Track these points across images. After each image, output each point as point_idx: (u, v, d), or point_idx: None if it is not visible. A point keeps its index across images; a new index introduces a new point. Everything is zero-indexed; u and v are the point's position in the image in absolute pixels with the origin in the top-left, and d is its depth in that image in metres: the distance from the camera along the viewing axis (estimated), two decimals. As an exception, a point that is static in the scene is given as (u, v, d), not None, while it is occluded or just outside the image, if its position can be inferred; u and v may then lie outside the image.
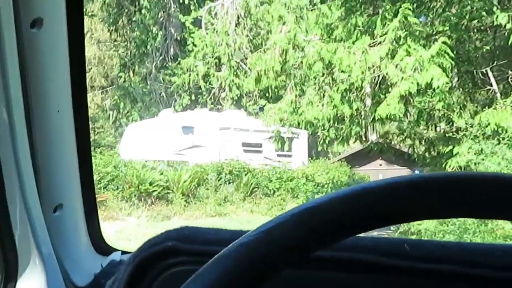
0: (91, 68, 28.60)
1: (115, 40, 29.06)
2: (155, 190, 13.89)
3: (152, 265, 0.90)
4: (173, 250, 0.89)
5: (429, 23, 12.81)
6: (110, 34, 28.65)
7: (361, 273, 0.75)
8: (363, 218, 0.47)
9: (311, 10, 13.85)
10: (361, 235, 0.57)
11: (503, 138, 8.53)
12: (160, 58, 27.25)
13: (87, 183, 1.15)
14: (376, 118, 11.47)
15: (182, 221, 12.73)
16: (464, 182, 0.46)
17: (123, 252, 1.24)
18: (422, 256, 0.72)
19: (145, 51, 27.40)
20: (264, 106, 20.20)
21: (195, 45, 25.62)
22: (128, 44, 28.54)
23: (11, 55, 0.88)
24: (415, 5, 12.24)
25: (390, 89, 11.27)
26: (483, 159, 8.30)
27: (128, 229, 11.34)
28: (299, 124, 12.56)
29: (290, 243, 0.46)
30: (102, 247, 1.25)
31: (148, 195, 13.78)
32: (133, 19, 27.37)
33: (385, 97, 11.23)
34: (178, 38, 27.20)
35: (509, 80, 11.43)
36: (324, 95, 12.25)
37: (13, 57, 0.89)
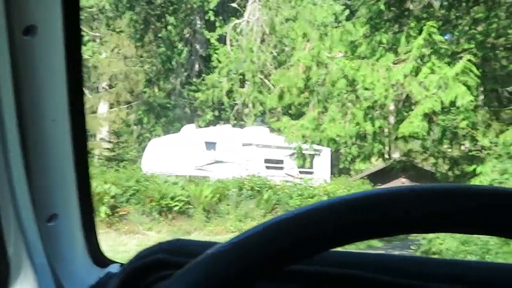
0: (117, 84, 28.94)
1: (141, 56, 29.44)
2: (176, 205, 13.93)
3: (142, 277, 0.88)
4: (162, 262, 0.88)
5: (454, 41, 12.72)
6: (137, 49, 29.03)
7: None
8: (339, 231, 0.45)
9: (336, 27, 13.89)
10: (352, 249, 0.54)
11: (529, 158, 8.39)
12: (185, 74, 27.51)
13: (84, 193, 1.14)
14: (399, 136, 11.37)
15: (202, 236, 12.73)
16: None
17: (122, 264, 1.22)
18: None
19: (170, 67, 27.70)
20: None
21: (219, 61, 25.81)
22: (154, 60, 28.89)
23: (2, 63, 0.88)
24: (440, 22, 12.17)
25: (413, 107, 11.18)
26: (507, 179, 8.15)
27: (148, 244, 11.36)
28: (321, 141, 12.52)
29: (260, 255, 0.44)
30: (100, 259, 1.23)
31: (169, 210, 13.82)
32: (159, 35, 27.72)
33: (409, 115, 11.14)
34: (203, 54, 27.46)
35: (536, 99, 11.25)
36: (347, 112, 12.20)
37: (4, 65, 0.88)
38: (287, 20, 24.69)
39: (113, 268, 1.21)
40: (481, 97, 12.97)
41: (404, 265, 0.72)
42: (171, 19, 26.71)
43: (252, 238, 0.45)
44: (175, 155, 17.22)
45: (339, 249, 0.46)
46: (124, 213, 13.20)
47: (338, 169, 21.40)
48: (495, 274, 0.69)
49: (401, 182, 21.22)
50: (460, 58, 10.83)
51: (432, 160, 13.89)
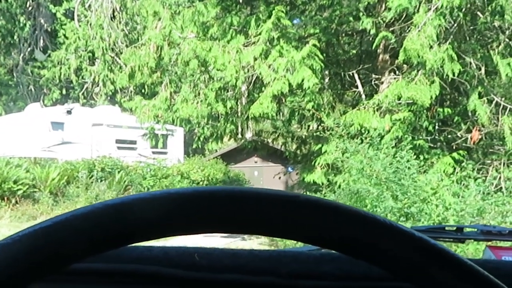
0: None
1: (-24, 29, 27.08)
2: (20, 189, 13.11)
3: None
4: None
5: (302, 26, 13.24)
6: (-29, 21, 26.65)
7: (146, 285, 0.71)
8: (112, 234, 0.43)
9: (188, 7, 13.79)
10: (153, 244, 0.52)
11: (366, 138, 9.02)
12: (29, 49, 25.82)
13: None
14: (250, 117, 11.65)
15: (50, 221, 12.14)
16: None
17: None
18: (211, 266, 0.70)
19: (12, 42, 25.81)
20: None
21: (66, 38, 24.57)
22: (-9, 33, 26.72)
23: None
24: (288, 7, 12.60)
25: (263, 88, 11.49)
26: (347, 158, 8.71)
27: (-12, 231, 10.63)
28: (173, 121, 12.46)
29: (33, 255, 0.41)
30: None
31: (12, 194, 12.98)
32: (-2, 7, 25.67)
33: (259, 96, 11.43)
34: (49, 29, 25.93)
35: (373, 83, 12.10)
36: (199, 93, 12.24)
37: None
38: (138, -3, 24.07)
39: None
40: (326, 80, 13.70)
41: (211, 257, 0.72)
42: (11, -10, 24.81)
43: (32, 235, 0.41)
44: (18, 136, 16.18)
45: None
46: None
47: (192, 149, 21.47)
48: (273, 261, 0.72)
49: (254, 161, 21.86)
50: (307, 42, 11.28)
51: (281, 139, 14.47)
